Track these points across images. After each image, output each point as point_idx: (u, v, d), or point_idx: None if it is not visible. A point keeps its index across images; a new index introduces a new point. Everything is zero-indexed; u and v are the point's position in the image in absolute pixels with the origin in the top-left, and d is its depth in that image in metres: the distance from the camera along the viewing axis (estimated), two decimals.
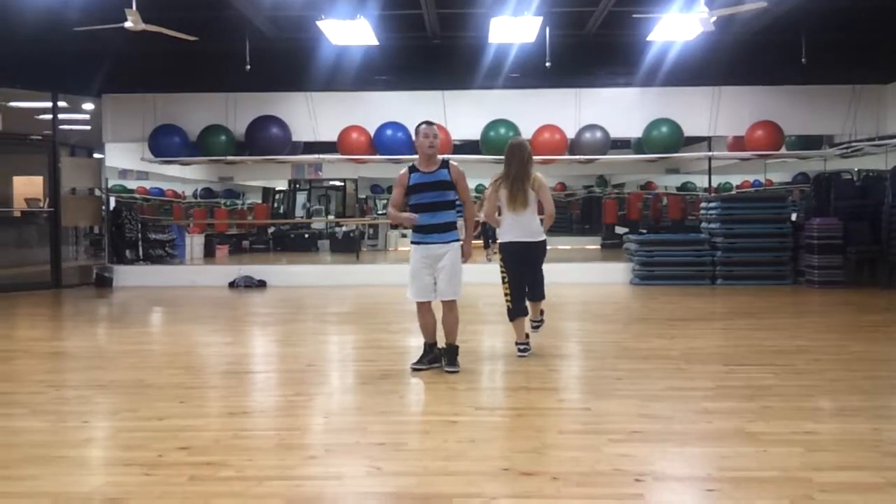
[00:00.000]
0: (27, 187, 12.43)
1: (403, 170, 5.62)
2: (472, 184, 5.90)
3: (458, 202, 5.66)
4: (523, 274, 6.08)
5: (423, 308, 5.61)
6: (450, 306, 5.60)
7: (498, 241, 6.15)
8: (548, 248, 6.20)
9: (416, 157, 5.69)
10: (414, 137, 5.78)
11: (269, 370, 6.10)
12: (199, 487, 3.29)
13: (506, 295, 6.10)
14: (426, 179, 5.50)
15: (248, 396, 5.11)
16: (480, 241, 16.25)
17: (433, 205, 5.50)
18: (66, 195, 12.56)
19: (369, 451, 3.76)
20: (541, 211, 6.08)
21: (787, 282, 11.48)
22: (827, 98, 12.32)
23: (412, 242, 5.59)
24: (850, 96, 12.26)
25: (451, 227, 5.55)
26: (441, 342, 5.72)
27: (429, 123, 5.58)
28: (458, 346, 5.67)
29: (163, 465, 3.56)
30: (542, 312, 6.48)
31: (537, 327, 6.47)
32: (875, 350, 6.36)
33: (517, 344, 6.10)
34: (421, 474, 3.42)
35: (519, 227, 5.98)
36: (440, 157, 5.63)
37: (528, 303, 6.16)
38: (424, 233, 5.51)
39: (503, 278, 6.11)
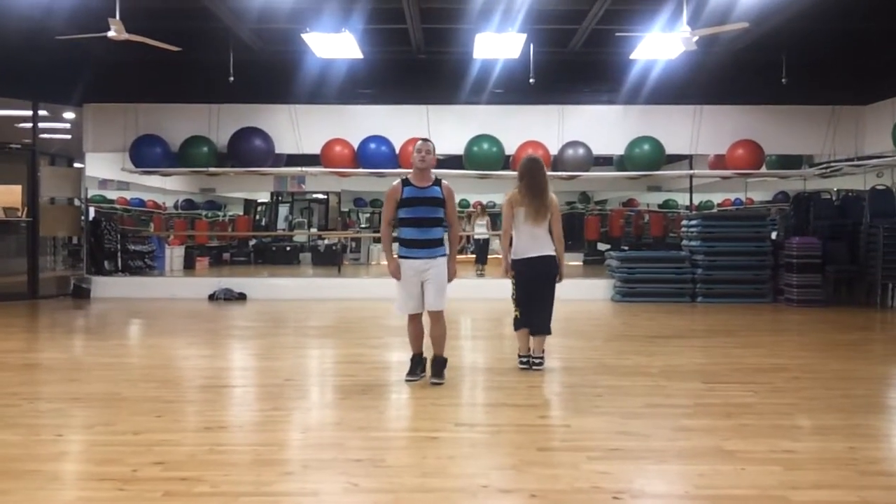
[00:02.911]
0: (5, 196, 12.25)
1: (396, 182, 5.64)
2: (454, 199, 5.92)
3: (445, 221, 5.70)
4: (534, 291, 6.11)
5: (414, 319, 5.66)
6: (437, 318, 5.63)
7: (511, 259, 6.15)
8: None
9: (399, 171, 5.71)
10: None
11: (246, 384, 6.04)
12: (174, 503, 3.25)
13: (516, 308, 6.16)
14: (418, 194, 5.53)
15: (226, 411, 5.06)
16: (472, 256, 16.31)
17: (422, 220, 5.54)
18: (45, 205, 12.44)
19: (346, 467, 3.72)
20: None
21: (767, 300, 11.56)
22: (807, 118, 12.50)
23: (399, 256, 5.62)
24: (829, 117, 12.44)
25: (438, 243, 5.60)
26: (427, 352, 5.76)
27: (425, 140, 5.64)
28: (445, 359, 5.75)
29: (137, 480, 3.50)
30: (543, 352, 6.22)
31: (540, 363, 6.15)
32: (852, 368, 6.41)
33: (520, 356, 6.18)
34: (398, 491, 3.39)
35: (534, 239, 6.03)
36: (434, 174, 5.67)
37: (531, 337, 6.17)
38: (412, 247, 5.55)
39: (512, 294, 6.18)
